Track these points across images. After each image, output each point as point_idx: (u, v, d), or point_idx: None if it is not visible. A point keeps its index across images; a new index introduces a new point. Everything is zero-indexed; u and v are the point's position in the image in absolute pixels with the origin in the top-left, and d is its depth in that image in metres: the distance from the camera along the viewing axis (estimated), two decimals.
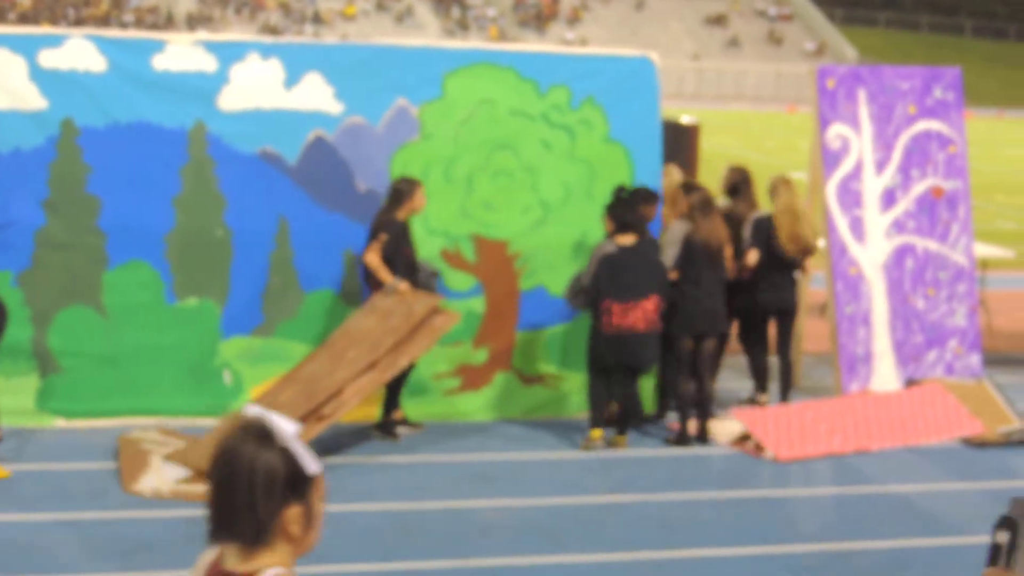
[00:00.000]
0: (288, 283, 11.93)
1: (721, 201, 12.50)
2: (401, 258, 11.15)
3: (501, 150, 12.23)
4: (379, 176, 12.01)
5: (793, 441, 11.71)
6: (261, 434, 3.40)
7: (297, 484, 3.43)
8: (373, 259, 11.10)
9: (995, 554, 4.18)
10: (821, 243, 13.39)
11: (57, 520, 9.45)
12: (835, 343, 13.29)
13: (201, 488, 9.59)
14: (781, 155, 40.27)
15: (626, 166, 12.50)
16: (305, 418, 10.30)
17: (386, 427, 11.51)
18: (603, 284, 11.01)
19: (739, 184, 12.75)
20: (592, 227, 12.35)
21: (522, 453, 11.36)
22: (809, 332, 14.97)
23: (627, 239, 11.17)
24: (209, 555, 3.55)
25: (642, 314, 11.11)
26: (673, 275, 11.54)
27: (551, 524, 9.66)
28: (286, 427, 3.43)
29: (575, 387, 12.63)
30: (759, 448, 11.63)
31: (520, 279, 12.37)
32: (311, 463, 3.42)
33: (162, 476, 10.25)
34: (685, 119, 14.92)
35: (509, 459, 11.20)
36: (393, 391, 11.50)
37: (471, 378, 12.44)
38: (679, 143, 14.17)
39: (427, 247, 12.12)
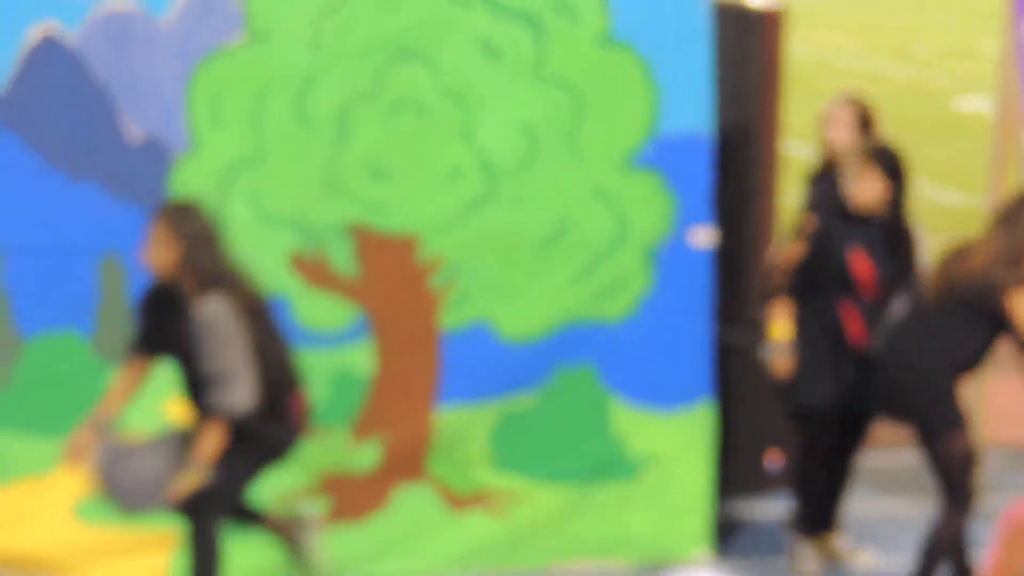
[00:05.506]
0: None
1: None
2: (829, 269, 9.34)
3: (403, 62, 9.97)
4: (166, 111, 9.71)
5: None
6: None
7: None
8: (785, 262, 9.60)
9: None
10: None
11: None
12: None
13: None
14: (943, 69, 33.20)
15: (642, 90, 10.03)
16: None
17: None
18: None
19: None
20: (576, 208, 9.96)
21: None
22: (996, 395, 10.98)
23: None
24: None
25: None
26: None
27: None
28: None
29: (550, 512, 10.15)
30: None
31: (441, 309, 10.43)
32: None
33: None
34: (755, 0, 13.20)
35: None
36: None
37: (350, 498, 10.01)
38: (745, 44, 11.54)
39: (262, 247, 9.80)
